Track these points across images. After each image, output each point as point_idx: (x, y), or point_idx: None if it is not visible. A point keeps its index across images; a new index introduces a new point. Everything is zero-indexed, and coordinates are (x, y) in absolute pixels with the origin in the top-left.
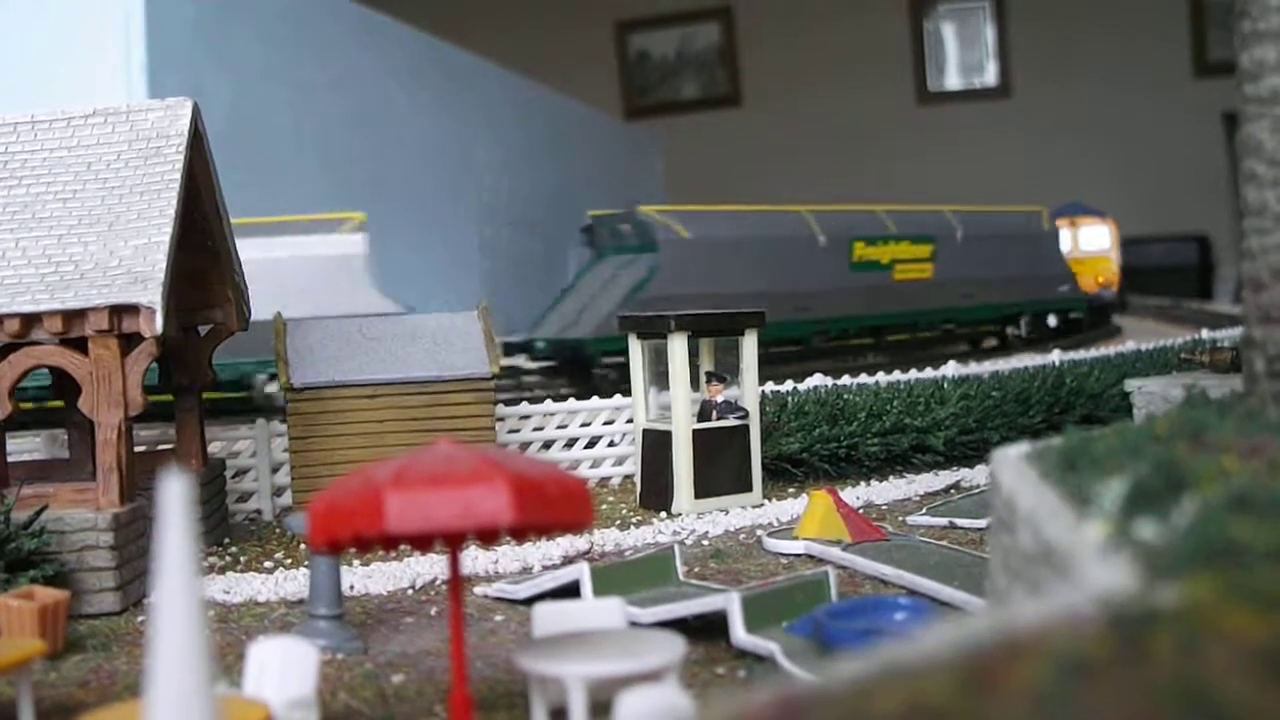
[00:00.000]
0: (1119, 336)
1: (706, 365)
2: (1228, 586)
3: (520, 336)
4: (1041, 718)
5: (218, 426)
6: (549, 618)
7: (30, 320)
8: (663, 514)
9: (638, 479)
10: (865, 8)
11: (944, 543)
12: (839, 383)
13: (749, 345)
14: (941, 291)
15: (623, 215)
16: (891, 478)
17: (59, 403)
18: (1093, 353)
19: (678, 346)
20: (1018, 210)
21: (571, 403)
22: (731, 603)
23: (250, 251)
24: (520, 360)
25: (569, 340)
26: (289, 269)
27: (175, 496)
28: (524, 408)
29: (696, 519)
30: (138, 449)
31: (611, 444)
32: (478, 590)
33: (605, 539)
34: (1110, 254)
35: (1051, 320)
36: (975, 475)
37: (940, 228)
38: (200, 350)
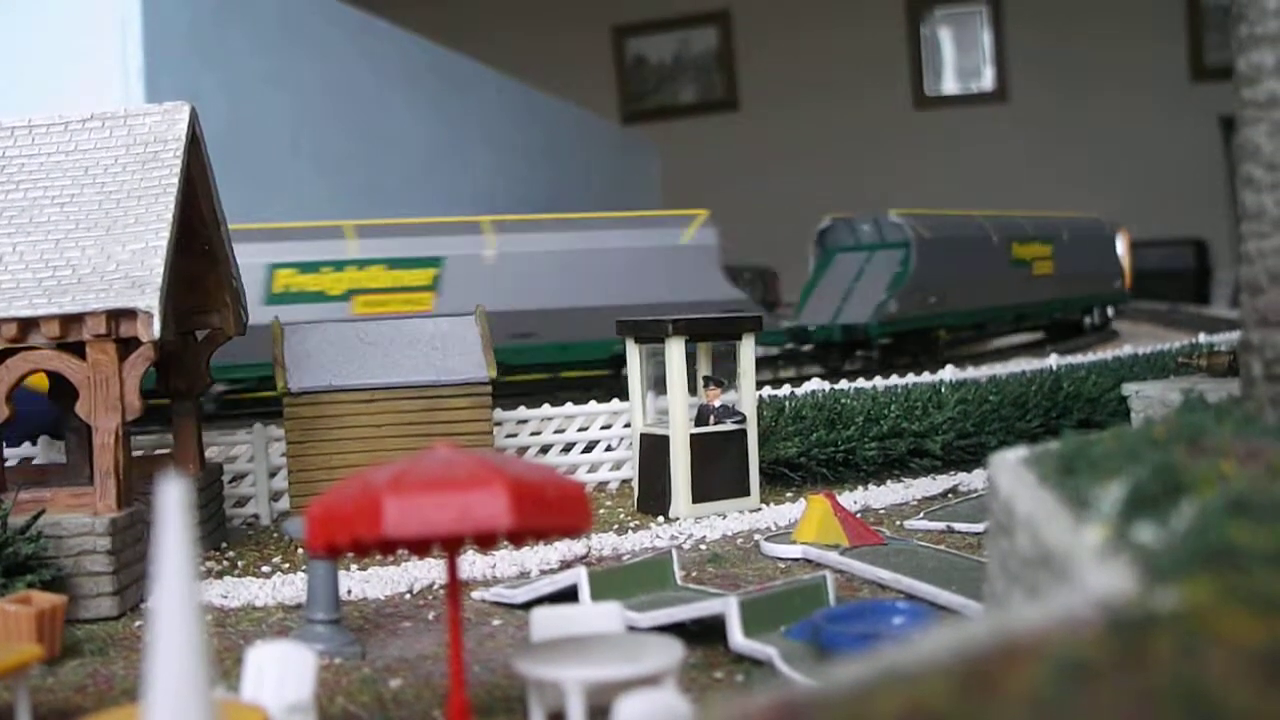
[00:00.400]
0: (1116, 340)
1: (704, 370)
2: (1226, 590)
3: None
4: None
5: (215, 431)
6: (547, 622)
7: (27, 325)
8: (660, 518)
9: (635, 483)
10: (863, 12)
11: (942, 547)
12: (836, 387)
13: (746, 349)
14: (1057, 285)
15: (863, 217)
16: (889, 482)
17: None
18: (1090, 357)
19: (675, 351)
20: (1089, 217)
21: (569, 407)
22: (729, 607)
23: (615, 241)
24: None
25: (847, 325)
26: (653, 258)
27: (174, 501)
28: (521, 412)
29: (694, 523)
30: (135, 453)
31: (609, 448)
32: (475, 595)
33: (603, 543)
34: (1124, 260)
35: (1110, 311)
36: (973, 479)
37: (1054, 230)
38: (198, 355)
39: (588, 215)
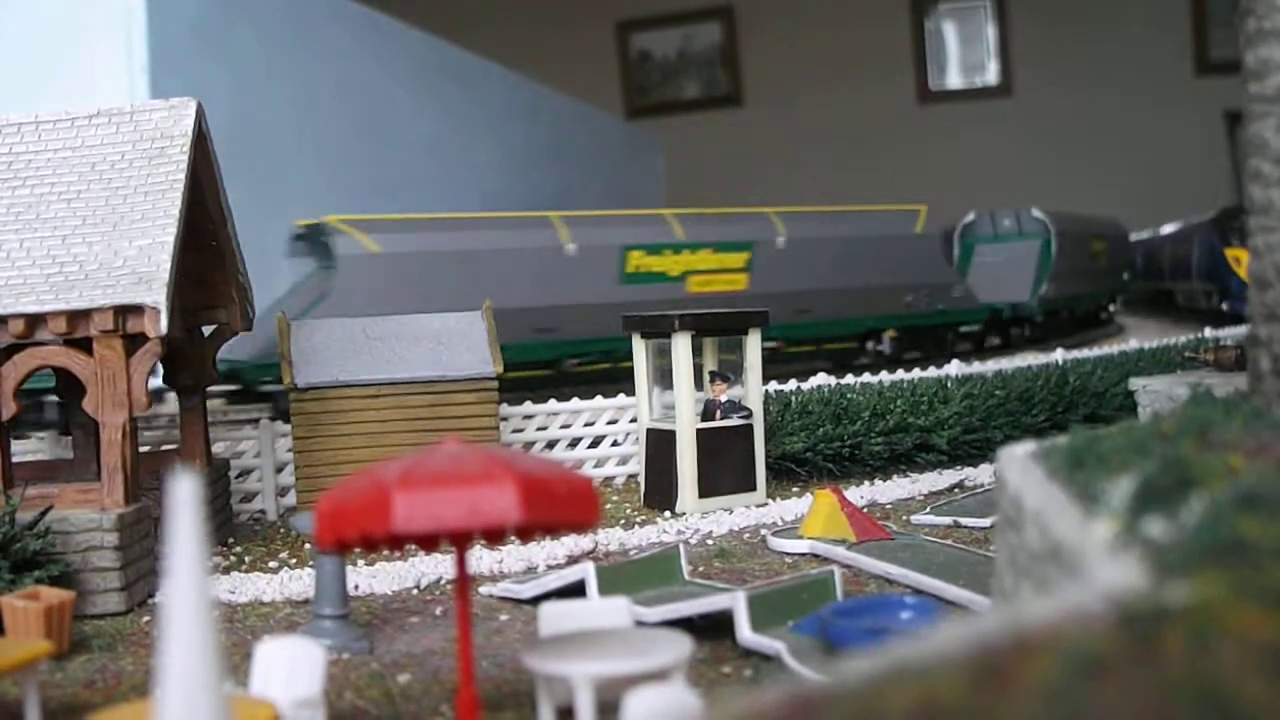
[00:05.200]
0: (1122, 335)
1: (710, 364)
2: (1237, 584)
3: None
4: (1053, 715)
5: (222, 426)
6: (555, 617)
7: (35, 321)
8: (667, 513)
9: (641, 479)
10: (867, 7)
11: (948, 541)
12: (843, 382)
13: (753, 344)
14: (1110, 279)
15: (1005, 213)
16: (895, 477)
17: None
18: (1096, 351)
19: (681, 346)
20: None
21: (575, 402)
22: (737, 602)
23: (870, 230)
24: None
25: (1011, 303)
26: (897, 245)
27: (184, 496)
28: (528, 407)
29: (701, 518)
30: (141, 449)
31: (615, 443)
32: (482, 590)
33: (610, 539)
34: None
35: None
36: (979, 474)
37: (1110, 227)
38: (204, 350)
39: (846, 208)
